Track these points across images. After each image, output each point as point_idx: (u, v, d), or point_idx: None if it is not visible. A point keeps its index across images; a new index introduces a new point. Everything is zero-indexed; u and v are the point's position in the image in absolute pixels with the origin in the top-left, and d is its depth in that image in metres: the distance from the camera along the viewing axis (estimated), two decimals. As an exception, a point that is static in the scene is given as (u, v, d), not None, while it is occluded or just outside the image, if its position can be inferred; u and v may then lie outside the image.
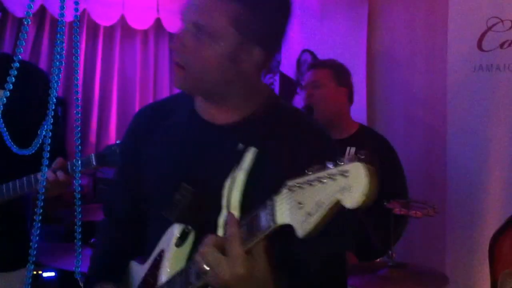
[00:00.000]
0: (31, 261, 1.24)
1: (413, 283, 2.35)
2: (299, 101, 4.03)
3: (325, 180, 0.98)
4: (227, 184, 1.33)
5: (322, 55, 3.89)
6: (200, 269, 1.19)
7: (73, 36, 1.13)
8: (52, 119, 1.22)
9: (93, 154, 2.12)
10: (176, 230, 1.39)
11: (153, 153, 1.53)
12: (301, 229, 1.01)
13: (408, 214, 2.38)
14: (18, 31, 4.32)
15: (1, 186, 2.16)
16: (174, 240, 1.38)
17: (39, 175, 2.07)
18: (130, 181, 1.60)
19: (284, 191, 1.07)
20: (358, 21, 3.71)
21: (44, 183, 1.39)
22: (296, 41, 4.08)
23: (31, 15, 1.07)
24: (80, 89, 4.59)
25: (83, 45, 4.62)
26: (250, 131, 1.40)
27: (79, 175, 1.62)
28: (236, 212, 1.27)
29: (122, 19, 4.69)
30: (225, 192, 1.32)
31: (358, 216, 2.22)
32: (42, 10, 4.32)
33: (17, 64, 1.20)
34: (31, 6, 1.05)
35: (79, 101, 1.18)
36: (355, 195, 0.94)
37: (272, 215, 1.08)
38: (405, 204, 2.47)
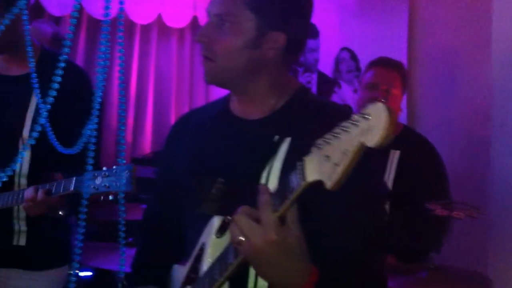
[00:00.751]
0: (75, 260, 1.26)
1: (455, 286, 2.30)
2: (336, 99, 3.97)
3: (348, 128, 1.00)
4: (264, 174, 1.36)
5: (361, 53, 3.83)
6: (234, 239, 1.19)
7: (117, 36, 1.12)
8: (97, 119, 1.23)
9: (74, 178, 1.99)
10: (215, 222, 1.39)
11: (187, 153, 1.56)
12: (329, 181, 1.03)
13: (450, 215, 2.34)
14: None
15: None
16: (214, 232, 1.38)
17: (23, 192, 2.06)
18: (167, 187, 1.64)
19: (313, 149, 1.08)
20: (398, 18, 3.64)
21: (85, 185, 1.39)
22: (334, 38, 4.02)
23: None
24: (116, 88, 4.61)
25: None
26: (283, 123, 1.42)
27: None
28: None
29: (159, 17, 4.68)
30: (262, 182, 1.35)
31: (395, 218, 2.18)
32: (79, 8, 4.33)
33: (62, 64, 1.23)
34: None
35: (124, 101, 1.16)
36: (377, 132, 0.96)
37: (302, 173, 1.09)
38: (447, 205, 2.41)
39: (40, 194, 1.98)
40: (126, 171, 1.80)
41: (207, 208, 1.42)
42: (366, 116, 0.98)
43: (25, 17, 2.07)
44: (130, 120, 4.73)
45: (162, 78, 4.92)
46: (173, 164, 1.61)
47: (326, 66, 4.15)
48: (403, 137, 2.64)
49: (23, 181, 2.16)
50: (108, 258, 3.01)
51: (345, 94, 4.01)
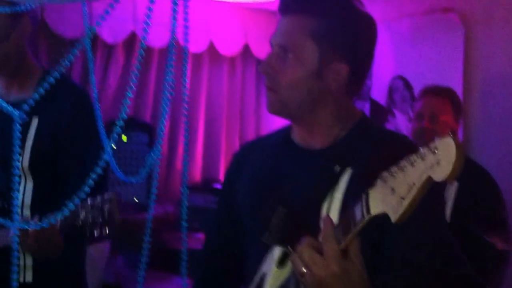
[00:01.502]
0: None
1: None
2: (390, 128, 3.89)
3: (415, 162, 1.01)
4: (325, 205, 1.36)
5: (415, 81, 3.76)
6: (297, 270, 1.20)
7: (182, 63, 1.11)
8: (159, 147, 1.21)
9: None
10: (276, 252, 1.40)
11: (247, 182, 1.58)
12: (395, 214, 1.03)
13: (510, 249, 2.25)
14: (108, 56, 4.41)
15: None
16: (275, 262, 1.39)
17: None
18: (227, 216, 1.66)
19: (378, 182, 1.08)
20: (454, 45, 3.57)
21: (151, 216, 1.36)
22: (387, 66, 3.96)
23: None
24: (169, 114, 4.63)
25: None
26: (344, 154, 1.42)
27: (185, 202, 1.60)
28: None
29: (211, 45, 4.71)
30: (323, 213, 1.35)
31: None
32: (132, 36, 4.39)
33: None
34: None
35: (187, 127, 1.14)
36: (445, 167, 0.96)
37: (366, 206, 1.10)
38: (506, 238, 2.33)
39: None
40: (106, 204, 1.68)
41: (268, 237, 1.42)
42: (434, 150, 0.98)
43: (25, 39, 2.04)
44: (181, 147, 4.74)
45: (213, 106, 4.93)
46: (234, 193, 1.62)
47: (379, 93, 4.09)
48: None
49: (27, 212, 2.03)
50: (160, 286, 3.00)
51: (399, 123, 3.94)
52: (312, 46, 1.41)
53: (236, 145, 4.97)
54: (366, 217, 1.10)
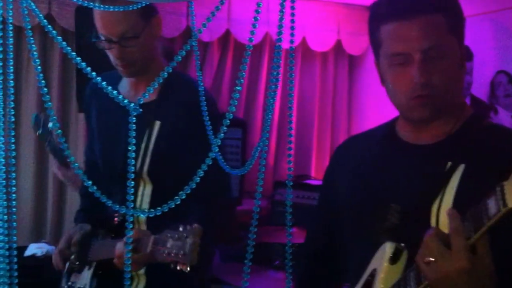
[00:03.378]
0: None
1: None
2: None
3: None
4: (436, 202, 1.33)
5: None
6: (423, 259, 1.18)
7: (289, 61, 1.12)
8: (267, 141, 1.20)
9: (152, 237, 1.79)
10: (388, 248, 1.37)
11: (351, 177, 1.56)
12: None
13: None
14: (205, 54, 4.49)
15: None
16: (387, 258, 1.37)
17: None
18: (330, 211, 1.65)
19: None
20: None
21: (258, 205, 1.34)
22: (489, 61, 3.82)
23: (252, 41, 1.08)
24: (260, 110, 4.66)
25: (265, 67, 4.69)
26: (457, 149, 1.38)
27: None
28: (446, 230, 1.24)
29: (303, 41, 4.71)
30: (434, 210, 1.32)
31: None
32: (227, 34, 4.45)
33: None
34: (253, 32, 1.05)
35: (292, 126, 1.15)
36: None
37: (502, 199, 1.05)
38: None
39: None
40: (191, 237, 1.64)
41: (380, 234, 1.40)
42: None
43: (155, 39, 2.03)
44: (273, 143, 4.76)
45: (305, 101, 4.92)
46: (335, 188, 1.61)
47: (480, 89, 3.95)
48: None
49: (142, 217, 2.03)
50: (253, 279, 3.03)
51: (502, 119, 3.79)
52: (453, 40, 1.41)
53: (328, 142, 4.94)
54: (503, 210, 1.06)
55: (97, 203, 2.17)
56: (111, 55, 2.03)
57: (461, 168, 1.35)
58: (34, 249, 3.49)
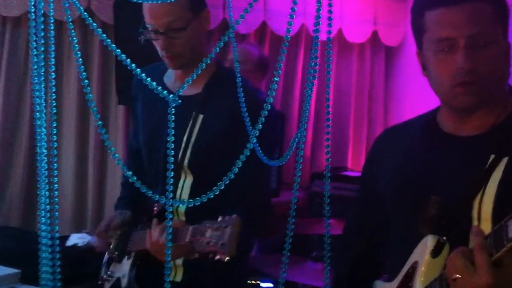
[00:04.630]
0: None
1: None
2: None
3: None
4: (478, 196, 1.32)
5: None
6: (450, 275, 1.21)
7: (326, 52, 1.13)
8: (305, 132, 1.22)
9: (191, 227, 1.78)
10: (429, 241, 1.37)
11: (392, 169, 1.55)
12: None
13: None
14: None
15: None
16: (429, 251, 1.37)
17: None
18: (366, 204, 1.67)
19: None
20: None
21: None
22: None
23: (290, 32, 1.09)
24: (297, 102, 4.67)
25: (301, 59, 4.69)
26: (500, 142, 1.37)
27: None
28: (488, 223, 1.26)
29: (339, 32, 4.69)
30: (475, 203, 1.32)
31: None
32: (263, 26, 4.46)
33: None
34: (291, 23, 1.06)
35: (329, 116, 1.17)
36: None
37: None
38: None
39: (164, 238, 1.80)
40: (230, 227, 1.64)
41: (422, 226, 1.40)
42: None
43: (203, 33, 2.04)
44: (309, 134, 4.76)
45: (341, 93, 4.91)
46: (376, 179, 1.61)
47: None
48: None
49: (181, 208, 2.06)
50: (291, 270, 3.05)
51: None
52: (498, 29, 1.39)
53: (364, 134, 4.92)
54: None
55: (137, 193, 2.22)
56: (158, 46, 2.04)
57: (504, 161, 1.33)
58: (76, 239, 3.55)
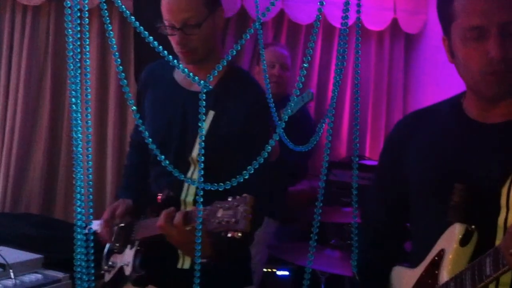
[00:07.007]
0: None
1: None
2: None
3: None
4: (507, 183, 1.31)
5: None
6: (505, 248, 1.18)
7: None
8: (333, 118, 1.30)
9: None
10: (457, 229, 1.37)
11: (418, 156, 1.55)
12: None
13: None
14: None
15: None
16: (457, 240, 1.36)
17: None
18: (388, 191, 1.67)
19: None
20: None
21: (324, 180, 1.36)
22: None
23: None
24: (314, 88, 4.65)
25: (318, 47, 4.67)
26: None
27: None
28: None
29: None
30: (504, 191, 1.31)
31: None
32: (281, 13, 4.45)
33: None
34: (321, 10, 1.07)
35: (358, 102, 1.19)
36: None
37: None
38: None
39: (177, 219, 1.81)
40: (242, 205, 1.64)
41: (450, 214, 1.39)
42: None
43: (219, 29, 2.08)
44: (326, 124, 4.74)
45: (360, 81, 4.86)
46: (400, 166, 1.60)
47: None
48: None
49: (190, 199, 2.09)
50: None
51: None
52: None
53: (383, 122, 4.89)
54: None
55: (139, 182, 2.25)
56: (173, 42, 2.07)
57: None
58: (96, 226, 3.59)
